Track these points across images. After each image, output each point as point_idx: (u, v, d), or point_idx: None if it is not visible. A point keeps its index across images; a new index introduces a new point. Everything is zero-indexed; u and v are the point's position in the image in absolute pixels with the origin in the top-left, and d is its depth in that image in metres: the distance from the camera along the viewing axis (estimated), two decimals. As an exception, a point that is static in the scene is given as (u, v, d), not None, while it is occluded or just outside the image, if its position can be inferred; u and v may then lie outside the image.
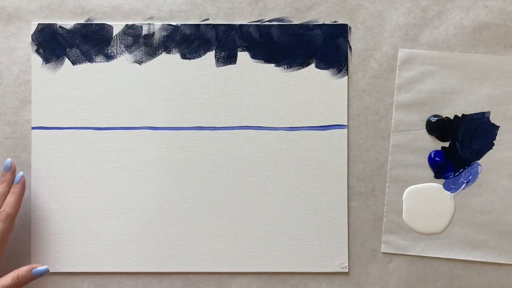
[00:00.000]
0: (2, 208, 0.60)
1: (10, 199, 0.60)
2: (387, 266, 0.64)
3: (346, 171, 0.64)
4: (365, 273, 0.64)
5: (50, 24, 0.65)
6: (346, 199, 0.64)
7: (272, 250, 0.64)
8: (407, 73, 0.65)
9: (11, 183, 0.61)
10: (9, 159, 0.62)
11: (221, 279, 0.64)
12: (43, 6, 0.65)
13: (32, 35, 0.65)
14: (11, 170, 0.62)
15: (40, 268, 0.60)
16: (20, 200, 0.61)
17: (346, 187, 0.64)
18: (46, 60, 0.65)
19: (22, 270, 0.59)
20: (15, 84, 0.65)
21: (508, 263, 0.63)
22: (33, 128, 0.64)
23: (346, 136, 0.65)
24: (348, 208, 0.64)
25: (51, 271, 0.63)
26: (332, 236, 0.64)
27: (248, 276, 0.64)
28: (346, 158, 0.64)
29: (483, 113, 0.64)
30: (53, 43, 0.65)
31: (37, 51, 0.65)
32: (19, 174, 0.62)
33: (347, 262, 0.64)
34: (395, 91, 0.65)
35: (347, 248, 0.64)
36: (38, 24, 0.65)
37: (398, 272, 0.64)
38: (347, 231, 0.64)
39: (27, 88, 0.65)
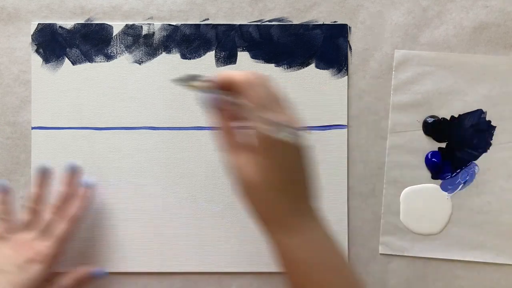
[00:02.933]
0: (67, 211, 0.60)
1: (76, 202, 0.61)
2: (387, 266, 0.64)
3: (346, 171, 0.65)
4: (365, 273, 0.64)
5: (50, 24, 0.64)
6: (346, 199, 0.64)
7: (272, 250, 0.64)
8: (403, 74, 0.65)
9: (75, 185, 0.62)
10: (72, 161, 0.63)
11: (221, 279, 0.64)
12: (43, 6, 0.64)
13: (32, 35, 0.64)
14: (73, 171, 0.62)
15: (100, 270, 0.62)
16: (86, 204, 0.61)
17: (346, 187, 0.65)
18: (46, 60, 0.64)
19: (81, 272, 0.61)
20: (15, 84, 0.64)
21: (506, 263, 0.64)
22: (33, 128, 0.64)
23: (346, 136, 0.65)
24: (348, 208, 0.64)
25: (51, 270, 0.63)
26: (332, 236, 0.64)
27: (248, 276, 0.64)
28: (346, 158, 0.65)
29: (480, 113, 0.65)
30: (53, 43, 0.64)
31: (37, 51, 0.64)
32: (89, 180, 0.62)
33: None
34: (391, 92, 0.65)
35: (347, 248, 0.64)
36: (38, 24, 0.64)
37: (398, 272, 0.64)
38: (347, 231, 0.64)
39: (27, 88, 0.64)
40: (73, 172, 0.62)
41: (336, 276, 0.47)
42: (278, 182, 0.45)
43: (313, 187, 0.48)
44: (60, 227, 0.59)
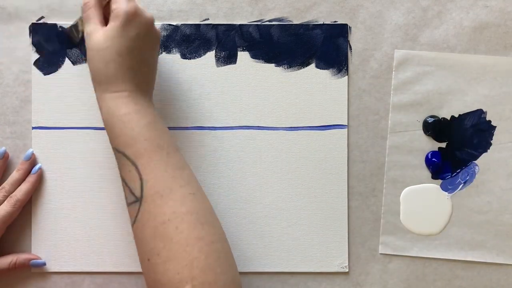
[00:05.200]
0: (13, 193, 0.62)
1: (24, 186, 0.63)
2: (387, 266, 0.64)
3: (346, 171, 0.65)
4: (365, 273, 0.64)
5: (50, 24, 0.64)
6: (346, 199, 0.64)
7: (272, 250, 0.64)
8: (403, 74, 0.65)
9: (27, 172, 0.63)
10: (30, 150, 0.64)
11: (221, 278, 0.64)
12: (43, 6, 0.64)
13: (32, 35, 0.64)
14: (31, 160, 0.63)
15: (39, 261, 0.63)
16: (33, 190, 0.63)
17: (346, 187, 0.65)
18: (46, 60, 0.64)
19: (21, 258, 0.62)
20: (15, 84, 0.64)
21: (506, 263, 0.64)
22: (33, 128, 0.64)
23: (346, 136, 0.65)
24: (348, 208, 0.64)
25: (51, 270, 0.64)
26: (332, 236, 0.64)
27: (248, 276, 0.64)
28: (346, 158, 0.65)
29: (480, 113, 0.65)
30: (53, 43, 0.64)
31: (37, 51, 0.64)
32: (38, 165, 0.64)
33: (347, 262, 0.64)
34: (392, 92, 0.65)
35: (347, 248, 0.64)
36: (38, 24, 0.64)
37: (398, 272, 0.64)
38: (347, 231, 0.64)
39: (27, 88, 0.64)
40: (30, 161, 0.63)
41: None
42: (122, 50, 0.54)
43: (152, 75, 0.58)
44: (3, 209, 0.61)
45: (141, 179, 0.52)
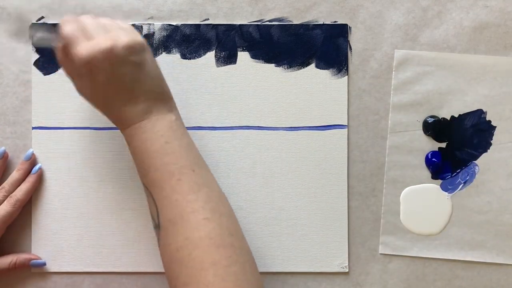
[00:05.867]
0: (13, 193, 0.62)
1: (24, 186, 0.63)
2: (387, 266, 0.64)
3: (346, 171, 0.65)
4: (365, 273, 0.64)
5: (50, 24, 0.64)
6: (346, 199, 0.64)
7: (272, 250, 0.64)
8: (403, 74, 0.65)
9: (27, 172, 0.63)
10: (31, 150, 0.64)
11: (221, 278, 0.64)
12: (43, 6, 0.64)
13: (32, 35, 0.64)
14: (31, 160, 0.63)
15: (39, 261, 0.63)
16: (33, 190, 0.63)
17: (346, 187, 0.65)
18: (46, 60, 0.64)
19: (21, 258, 0.62)
20: (15, 84, 0.64)
21: (506, 263, 0.64)
22: (33, 128, 0.64)
23: (346, 136, 0.65)
24: (348, 208, 0.64)
25: (51, 270, 0.64)
26: (332, 236, 0.64)
27: (248, 276, 0.64)
28: (346, 158, 0.65)
29: (480, 113, 0.65)
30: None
31: (37, 51, 0.64)
32: (38, 165, 0.64)
33: (347, 262, 0.64)
34: (391, 92, 0.65)
35: (347, 248, 0.64)
36: (38, 24, 0.64)
37: (398, 272, 0.64)
38: (347, 231, 0.64)
39: (27, 88, 0.64)
40: (30, 161, 0.63)
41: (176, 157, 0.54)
42: (99, 96, 0.54)
43: (140, 86, 0.54)
44: (3, 209, 0.61)
45: (156, 207, 0.53)
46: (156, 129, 0.54)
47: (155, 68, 0.56)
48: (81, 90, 0.55)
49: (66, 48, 0.53)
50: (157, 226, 0.53)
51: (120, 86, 0.53)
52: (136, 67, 0.53)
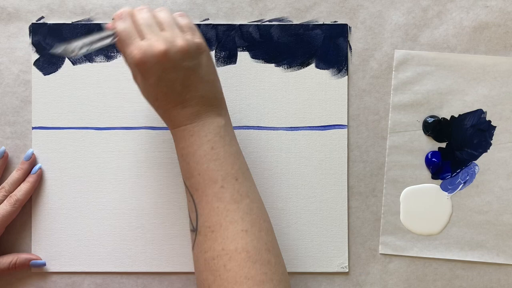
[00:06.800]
0: (13, 193, 0.62)
1: (24, 186, 0.63)
2: (387, 266, 0.64)
3: (346, 171, 0.65)
4: (365, 273, 0.64)
5: (50, 24, 0.64)
6: (346, 199, 0.64)
7: (272, 250, 0.64)
8: (403, 74, 0.65)
9: (27, 172, 0.64)
10: (31, 150, 0.64)
11: (221, 278, 0.64)
12: (43, 6, 0.64)
13: (32, 35, 0.64)
14: (31, 160, 0.63)
15: (39, 261, 0.63)
16: (32, 190, 0.63)
17: (346, 187, 0.65)
18: (46, 60, 0.64)
19: (21, 258, 0.62)
20: (15, 84, 0.64)
21: (506, 263, 0.64)
22: (33, 128, 0.64)
23: (346, 136, 0.65)
24: (348, 208, 0.64)
25: (51, 270, 0.64)
26: (332, 236, 0.64)
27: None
28: (346, 158, 0.65)
29: (480, 113, 0.65)
30: (53, 43, 0.64)
31: (37, 51, 0.64)
32: (37, 165, 0.64)
33: (347, 262, 0.64)
34: (391, 92, 0.65)
35: (347, 248, 0.64)
36: (38, 24, 0.64)
37: (398, 272, 0.64)
38: (347, 231, 0.64)
39: (27, 88, 0.64)
40: (30, 161, 0.63)
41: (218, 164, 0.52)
42: (150, 94, 0.53)
43: (191, 92, 0.53)
44: (3, 208, 0.61)
45: (196, 211, 0.52)
46: (203, 133, 0.52)
47: (209, 72, 0.54)
48: (136, 81, 0.54)
49: (121, 44, 0.52)
50: (194, 230, 0.52)
51: (169, 90, 0.52)
52: (188, 72, 0.52)
